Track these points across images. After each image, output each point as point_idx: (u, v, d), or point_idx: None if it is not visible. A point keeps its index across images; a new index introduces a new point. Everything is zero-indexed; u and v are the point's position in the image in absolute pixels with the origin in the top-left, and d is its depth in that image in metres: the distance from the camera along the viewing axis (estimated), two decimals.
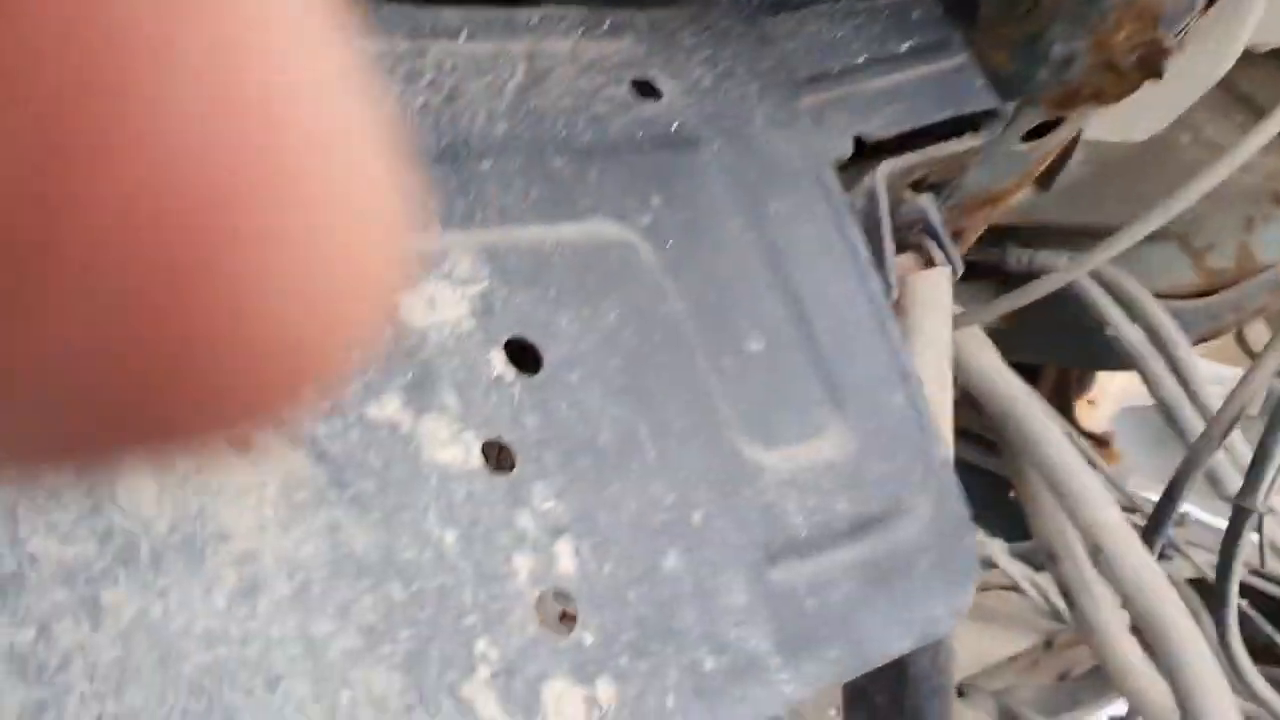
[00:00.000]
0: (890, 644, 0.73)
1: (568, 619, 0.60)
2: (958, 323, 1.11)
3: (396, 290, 0.17)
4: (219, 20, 0.14)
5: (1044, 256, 1.44)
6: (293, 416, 0.17)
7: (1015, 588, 1.96)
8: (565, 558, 0.61)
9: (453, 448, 0.60)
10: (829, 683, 0.69)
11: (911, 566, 0.77)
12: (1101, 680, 2.11)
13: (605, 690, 0.60)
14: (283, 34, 0.15)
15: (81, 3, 0.13)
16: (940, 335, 0.93)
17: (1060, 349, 1.69)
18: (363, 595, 0.54)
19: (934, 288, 0.93)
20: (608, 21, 0.77)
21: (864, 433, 0.78)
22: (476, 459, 0.60)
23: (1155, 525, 1.35)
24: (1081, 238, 1.43)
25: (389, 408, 0.59)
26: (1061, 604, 1.90)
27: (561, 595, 0.60)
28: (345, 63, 0.16)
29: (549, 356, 0.65)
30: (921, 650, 0.95)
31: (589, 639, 0.60)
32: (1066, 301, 1.39)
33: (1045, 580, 1.93)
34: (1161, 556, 1.37)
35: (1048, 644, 2.09)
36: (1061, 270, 1.31)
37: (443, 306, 0.63)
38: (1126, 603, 1.26)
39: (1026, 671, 2.04)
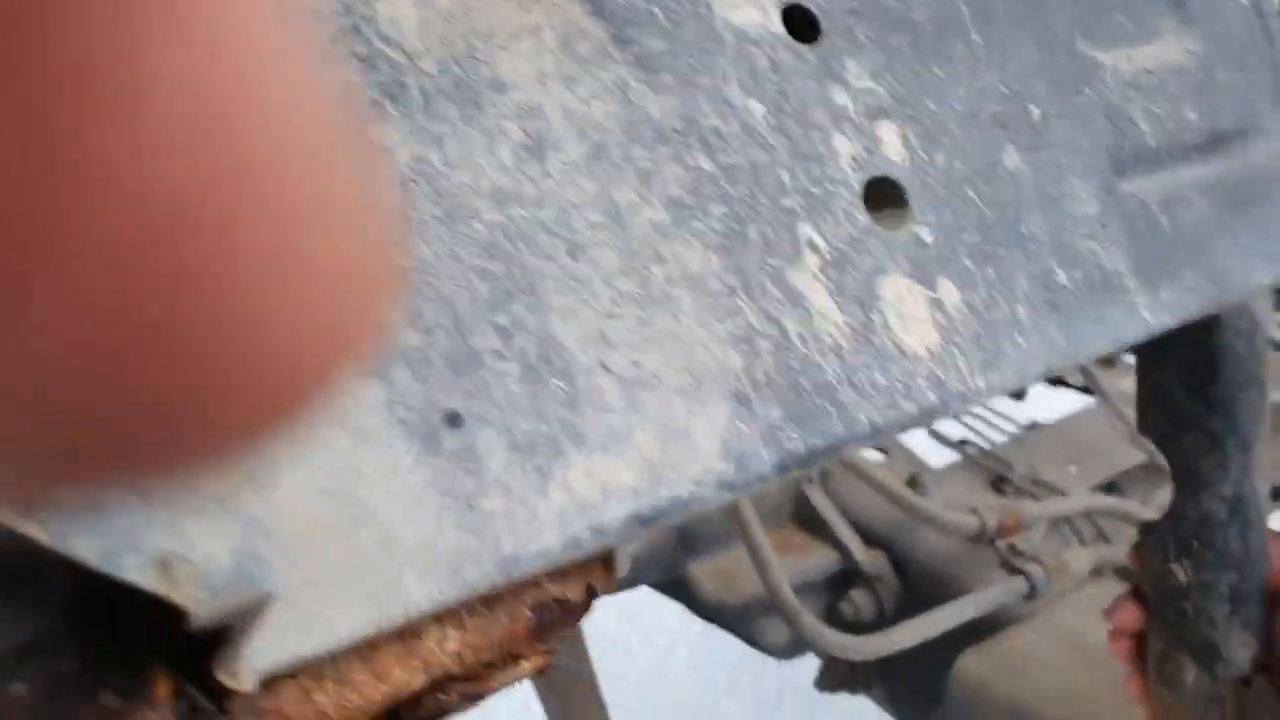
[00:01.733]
0: (1251, 275, 0.61)
1: (899, 212, 0.50)
2: None
3: (382, 305, 0.17)
4: (194, 43, 0.14)
5: None
6: (285, 430, 0.16)
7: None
8: (891, 144, 0.50)
9: (747, 8, 0.49)
10: (1189, 314, 0.58)
11: (1269, 193, 0.64)
12: None
13: (949, 293, 0.49)
14: (259, 57, 0.14)
15: (61, 35, 0.13)
16: None
17: None
18: (665, 164, 0.44)
19: None
20: None
21: (1207, 37, 0.64)
22: (777, 23, 0.49)
23: None
24: None
25: None
26: None
27: (890, 184, 0.50)
28: (322, 83, 0.15)
29: None
30: (1235, 333, 0.83)
31: (927, 236, 0.50)
32: None
33: None
34: None
35: None
36: None
37: None
38: None
39: None
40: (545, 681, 1.30)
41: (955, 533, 1.29)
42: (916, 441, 1.65)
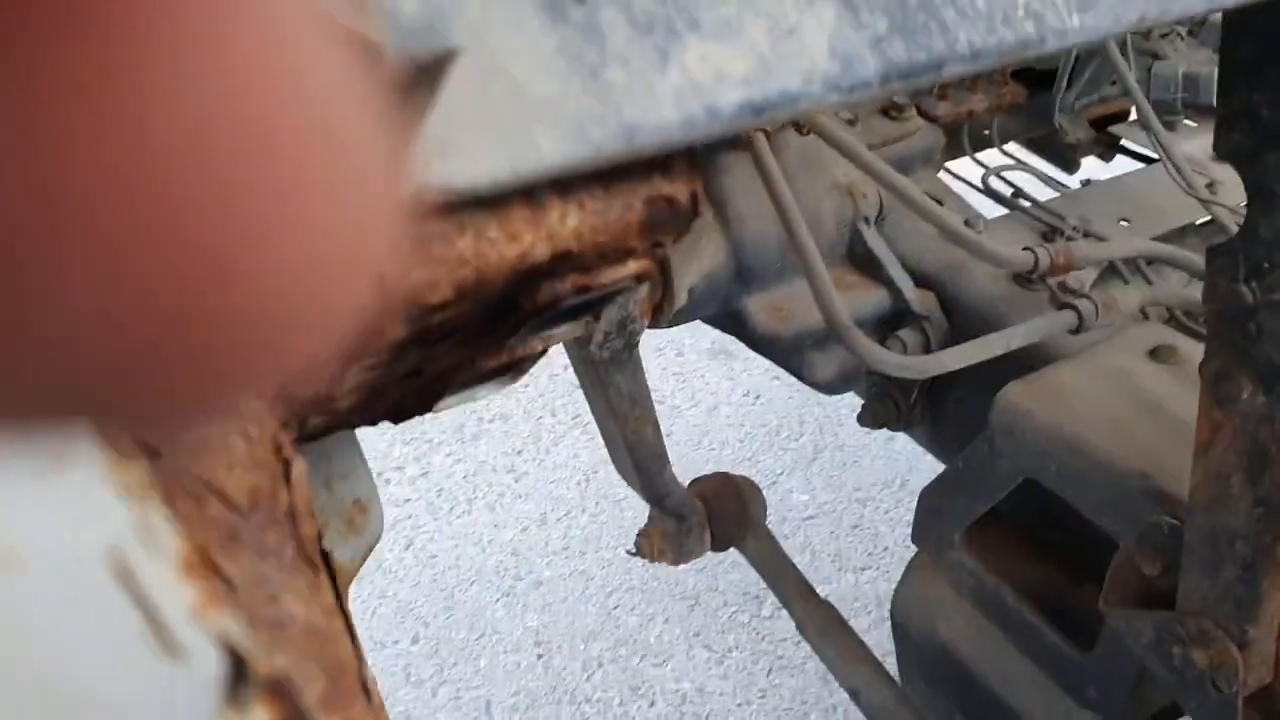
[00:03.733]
0: None
1: None
2: None
3: (392, 267, 0.17)
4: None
5: None
6: (285, 387, 0.17)
7: None
8: None
9: None
10: None
11: None
12: None
13: None
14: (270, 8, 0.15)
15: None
16: None
17: None
18: None
19: None
20: None
21: None
22: None
23: None
24: None
25: None
26: None
27: None
28: (338, 41, 0.16)
29: None
30: None
31: None
32: None
33: None
34: None
35: None
36: None
37: None
38: None
39: None
40: (603, 405, 1.34)
41: (1007, 267, 1.31)
42: (971, 197, 1.65)
